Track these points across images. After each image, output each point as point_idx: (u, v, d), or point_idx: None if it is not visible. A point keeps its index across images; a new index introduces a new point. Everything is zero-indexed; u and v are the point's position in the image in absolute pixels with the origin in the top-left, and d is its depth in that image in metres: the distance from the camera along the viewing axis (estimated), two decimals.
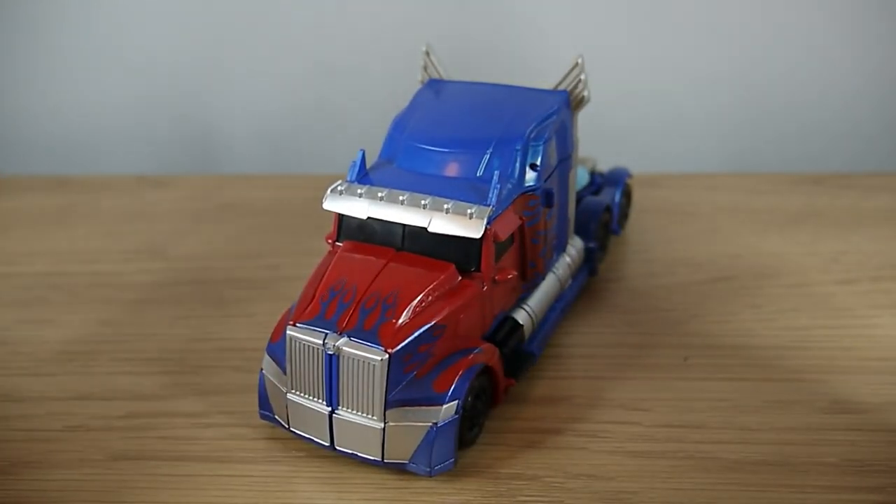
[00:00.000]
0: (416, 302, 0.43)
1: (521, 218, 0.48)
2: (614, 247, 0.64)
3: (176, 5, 0.78)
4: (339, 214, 0.48)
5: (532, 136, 0.49)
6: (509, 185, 0.47)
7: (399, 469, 0.44)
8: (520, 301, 0.51)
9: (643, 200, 0.69)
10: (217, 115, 0.82)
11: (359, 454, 0.44)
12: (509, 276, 0.47)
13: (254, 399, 0.47)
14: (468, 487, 0.44)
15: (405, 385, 0.43)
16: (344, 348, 0.42)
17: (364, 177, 0.49)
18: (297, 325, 0.44)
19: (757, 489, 0.43)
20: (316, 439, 0.45)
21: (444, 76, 0.57)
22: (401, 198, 0.46)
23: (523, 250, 0.49)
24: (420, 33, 0.61)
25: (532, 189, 0.48)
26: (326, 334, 0.43)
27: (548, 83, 0.54)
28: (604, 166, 0.66)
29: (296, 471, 0.45)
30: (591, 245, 0.58)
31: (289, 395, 0.45)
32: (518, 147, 0.48)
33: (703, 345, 0.54)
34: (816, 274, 0.60)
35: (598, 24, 0.77)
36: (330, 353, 0.43)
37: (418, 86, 0.56)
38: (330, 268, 0.46)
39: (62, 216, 0.71)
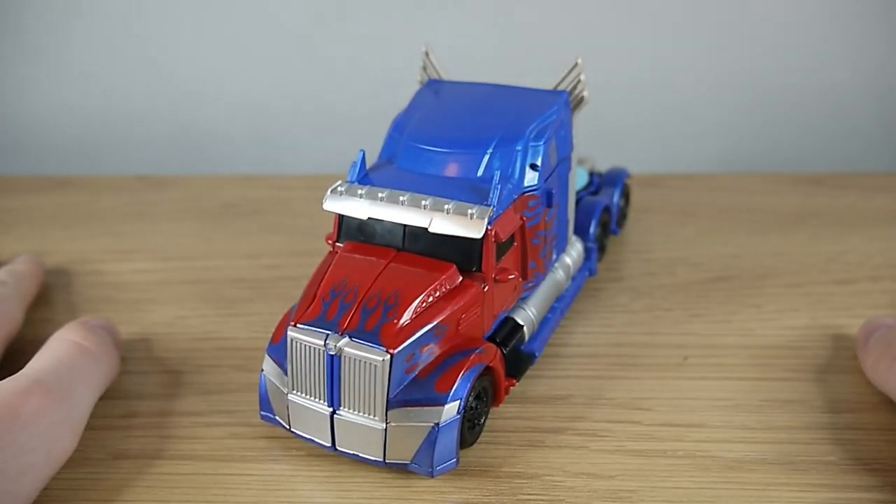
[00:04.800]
0: (417, 302, 0.44)
1: (521, 218, 0.48)
2: (614, 247, 0.64)
3: (176, 6, 0.78)
4: (340, 215, 0.48)
5: (532, 136, 0.49)
6: (510, 186, 0.47)
7: (400, 469, 0.44)
8: (520, 301, 0.51)
9: (643, 200, 0.69)
10: (217, 115, 0.82)
11: (360, 455, 0.44)
12: (510, 277, 0.47)
13: (254, 398, 0.47)
14: (469, 486, 0.44)
15: (407, 385, 0.43)
16: (345, 349, 0.42)
17: (364, 177, 0.49)
18: (298, 325, 0.44)
19: (757, 488, 0.44)
20: (317, 440, 0.45)
21: (444, 76, 0.57)
22: (401, 198, 0.46)
23: (524, 250, 0.49)
24: (420, 33, 0.61)
25: (532, 189, 0.48)
26: (328, 335, 0.43)
27: (548, 83, 0.54)
28: (603, 166, 0.66)
29: (296, 470, 0.45)
30: (591, 245, 0.58)
31: (290, 396, 0.45)
32: (518, 147, 0.48)
33: (703, 345, 0.54)
34: (816, 274, 0.61)
35: (598, 24, 0.77)
36: (331, 353, 0.43)
37: (418, 86, 0.57)
38: (331, 268, 0.46)
39: (62, 216, 0.71)
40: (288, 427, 0.46)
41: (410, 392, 0.43)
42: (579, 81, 0.53)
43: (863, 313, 0.55)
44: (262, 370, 0.47)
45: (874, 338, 0.49)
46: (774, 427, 0.47)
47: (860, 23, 0.76)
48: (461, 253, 0.46)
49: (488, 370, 0.46)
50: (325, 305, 0.44)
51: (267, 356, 0.46)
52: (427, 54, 0.57)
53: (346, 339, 0.43)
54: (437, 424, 0.43)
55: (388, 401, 0.43)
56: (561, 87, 0.54)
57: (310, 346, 0.43)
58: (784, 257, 0.63)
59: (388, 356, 0.42)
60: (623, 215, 0.66)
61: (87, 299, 0.60)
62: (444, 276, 0.45)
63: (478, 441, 0.46)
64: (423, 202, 0.45)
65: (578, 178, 0.62)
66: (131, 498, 0.44)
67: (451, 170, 0.48)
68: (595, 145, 0.66)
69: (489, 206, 0.45)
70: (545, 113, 0.51)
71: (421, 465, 0.43)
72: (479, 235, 0.44)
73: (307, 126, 0.82)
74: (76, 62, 0.80)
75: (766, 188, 0.72)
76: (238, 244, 0.66)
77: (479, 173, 0.48)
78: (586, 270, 0.58)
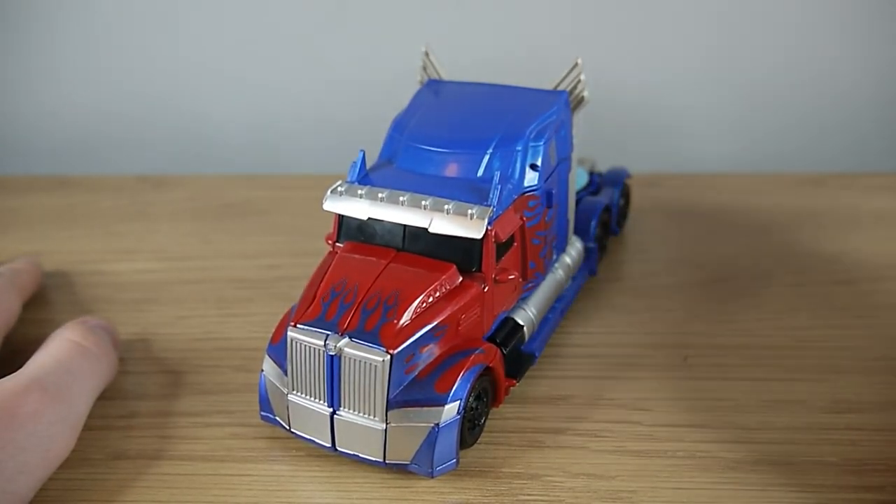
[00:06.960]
0: (417, 302, 0.43)
1: (521, 218, 0.48)
2: (614, 247, 0.64)
3: (175, 6, 0.78)
4: (340, 215, 0.48)
5: (532, 136, 0.49)
6: (510, 186, 0.47)
7: (400, 469, 0.44)
8: (520, 301, 0.51)
9: (643, 200, 0.69)
10: (217, 115, 0.82)
11: (360, 455, 0.44)
12: (510, 277, 0.47)
13: (254, 398, 0.47)
14: (469, 487, 0.44)
15: (407, 386, 0.43)
16: (345, 349, 0.42)
17: (364, 177, 0.49)
18: (298, 326, 0.44)
19: (757, 488, 0.44)
20: (317, 440, 0.45)
21: (444, 76, 0.57)
22: (401, 198, 0.46)
23: (524, 251, 0.49)
24: (420, 33, 0.61)
25: (532, 189, 0.48)
26: (328, 335, 0.43)
27: (548, 83, 0.54)
28: (603, 166, 0.66)
29: (296, 470, 0.45)
30: (591, 245, 0.58)
31: (290, 397, 0.45)
32: (518, 147, 0.48)
33: (703, 345, 0.54)
34: (816, 274, 0.61)
35: (598, 24, 0.77)
36: (331, 354, 0.43)
37: (418, 86, 0.56)
38: (331, 268, 0.46)
39: (62, 216, 0.71)
40: (288, 427, 0.46)
41: (410, 392, 0.43)
42: (579, 81, 0.53)
43: (863, 313, 0.55)
44: (262, 370, 0.47)
45: None
46: (775, 428, 0.47)
47: (861, 23, 0.76)
48: (461, 253, 0.46)
49: (488, 370, 0.46)
50: (325, 306, 0.44)
51: (267, 356, 0.46)
52: (427, 54, 0.57)
53: (346, 340, 0.43)
54: (437, 425, 0.43)
55: (388, 401, 0.42)
56: (561, 87, 0.54)
57: (310, 347, 0.43)
58: (784, 257, 0.62)
59: (388, 356, 0.42)
60: (623, 215, 0.66)
61: (87, 299, 0.60)
62: (444, 277, 0.45)
63: (478, 441, 0.46)
64: (423, 202, 0.45)
65: (578, 178, 0.62)
66: (131, 498, 0.44)
67: (451, 170, 0.48)
68: (595, 145, 0.66)
69: (489, 206, 0.45)
70: (545, 113, 0.51)
71: (421, 465, 0.43)
72: (479, 236, 0.44)
73: (307, 126, 0.82)
74: (76, 62, 0.80)
75: (766, 188, 0.72)
76: (238, 244, 0.66)
77: (479, 173, 0.48)
78: (586, 270, 0.58)
